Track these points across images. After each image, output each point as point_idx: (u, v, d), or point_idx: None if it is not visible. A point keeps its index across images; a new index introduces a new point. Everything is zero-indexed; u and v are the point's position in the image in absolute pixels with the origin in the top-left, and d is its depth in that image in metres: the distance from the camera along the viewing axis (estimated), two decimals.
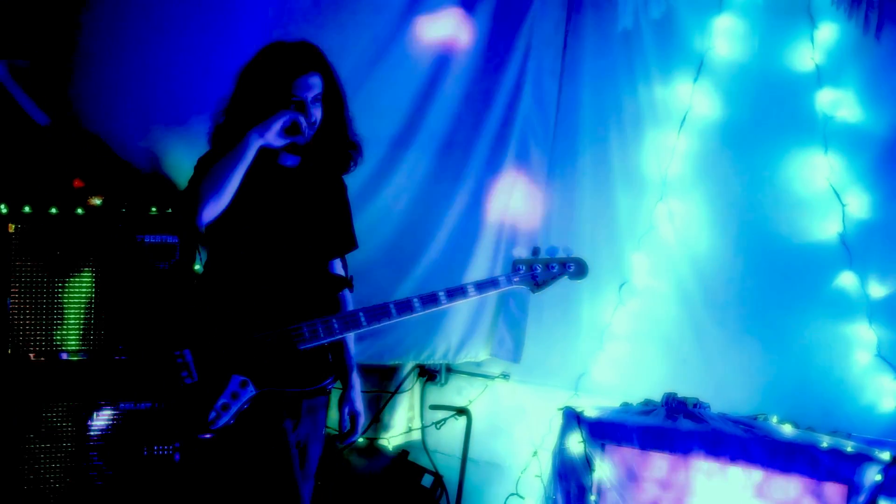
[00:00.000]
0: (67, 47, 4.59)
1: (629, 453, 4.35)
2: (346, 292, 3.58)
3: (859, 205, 4.48)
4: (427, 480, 5.15)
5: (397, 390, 5.45)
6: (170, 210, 4.40)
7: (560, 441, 4.51)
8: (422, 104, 5.03)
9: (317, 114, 3.37)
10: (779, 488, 4.02)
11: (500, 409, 5.38)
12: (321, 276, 3.51)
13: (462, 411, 5.30)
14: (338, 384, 3.58)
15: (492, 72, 5.13)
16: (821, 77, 4.56)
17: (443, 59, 5.03)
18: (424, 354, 5.22)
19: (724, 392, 4.54)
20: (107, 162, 4.66)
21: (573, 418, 4.47)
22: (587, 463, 4.38)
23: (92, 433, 4.29)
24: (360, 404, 3.61)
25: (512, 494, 5.08)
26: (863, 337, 4.42)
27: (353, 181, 4.81)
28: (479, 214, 5.18)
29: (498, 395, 5.41)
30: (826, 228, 4.54)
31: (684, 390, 4.40)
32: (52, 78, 4.58)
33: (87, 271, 4.30)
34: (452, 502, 5.18)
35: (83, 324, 4.30)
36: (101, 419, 4.31)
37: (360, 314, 3.30)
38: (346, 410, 3.57)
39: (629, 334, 5.00)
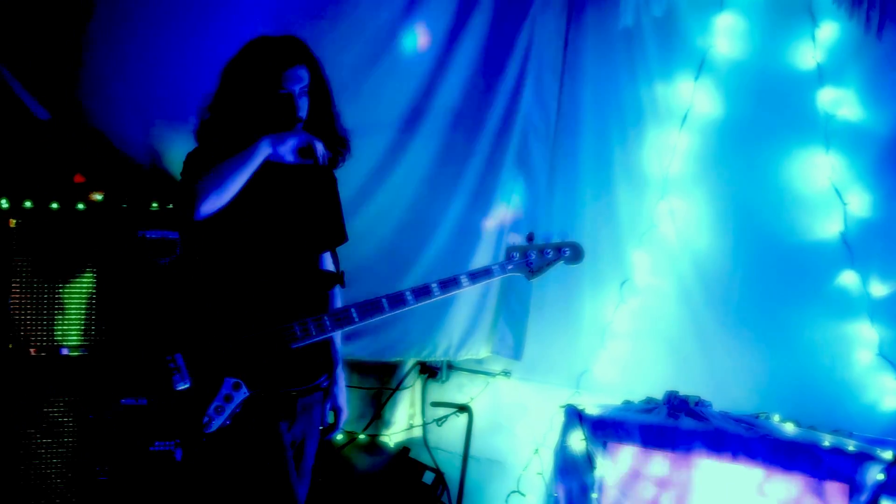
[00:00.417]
0: (69, 43, 4.58)
1: (631, 451, 4.35)
2: (338, 288, 3.54)
3: (860, 204, 4.49)
4: (428, 477, 5.15)
5: (398, 387, 5.45)
6: (171, 206, 4.39)
7: (562, 439, 4.51)
8: (422, 102, 5.03)
9: (304, 106, 3.35)
10: (780, 487, 4.02)
11: (502, 407, 5.38)
12: (313, 273, 3.49)
13: (463, 408, 5.31)
14: None
15: (493, 69, 5.13)
16: (822, 76, 4.56)
17: (442, 57, 5.03)
18: (426, 351, 5.22)
19: (726, 390, 4.54)
20: (108, 157, 4.65)
21: (575, 416, 4.47)
22: (589, 461, 4.39)
23: (93, 429, 4.28)
24: (343, 399, 3.59)
25: (513, 492, 5.08)
26: (864, 336, 4.42)
27: (354, 179, 4.85)
28: (480, 212, 5.17)
29: (499, 392, 5.41)
30: (827, 227, 4.54)
31: (686, 388, 4.40)
32: (52, 73, 4.58)
33: (88, 267, 4.29)
34: (454, 499, 5.18)
35: (84, 320, 4.29)
36: (102, 415, 4.30)
37: (352, 310, 3.27)
38: (329, 406, 3.55)
39: (631, 332, 5.00)
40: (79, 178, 4.52)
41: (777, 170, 4.67)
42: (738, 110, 4.80)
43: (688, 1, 4.89)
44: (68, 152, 4.59)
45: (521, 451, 5.15)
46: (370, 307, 3.28)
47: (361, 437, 5.29)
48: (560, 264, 3.55)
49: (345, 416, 3.61)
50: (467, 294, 5.12)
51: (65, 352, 4.27)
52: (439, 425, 5.36)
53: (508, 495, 5.09)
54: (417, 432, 5.50)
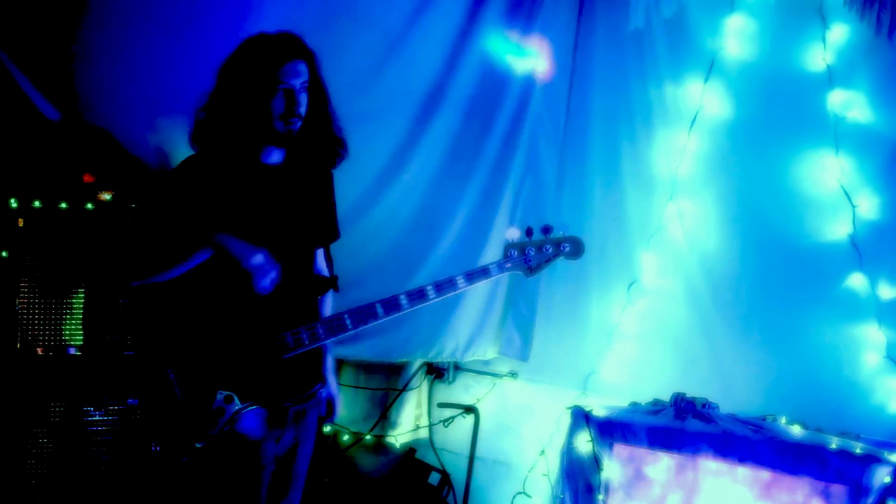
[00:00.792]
0: (77, 43, 4.59)
1: (637, 453, 4.34)
2: (331, 293, 3.51)
3: (870, 206, 4.48)
4: (434, 478, 5.15)
5: (405, 388, 5.44)
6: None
7: (568, 440, 4.51)
8: (431, 103, 5.03)
9: (304, 102, 3.30)
10: (787, 489, 4.01)
11: (508, 408, 5.38)
12: (305, 278, 3.43)
13: (470, 409, 5.30)
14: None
15: (502, 70, 5.13)
16: (832, 77, 4.55)
17: (452, 58, 5.03)
18: (433, 352, 5.21)
19: (733, 392, 4.54)
20: (116, 157, 4.66)
21: (581, 417, 4.46)
22: (595, 462, 4.38)
23: (99, 428, 4.29)
24: (335, 388, 3.58)
25: (519, 493, 5.08)
26: (872, 338, 4.42)
27: (362, 180, 4.86)
28: (490, 212, 5.17)
29: (506, 393, 5.41)
30: (836, 229, 4.53)
31: (693, 390, 4.40)
32: (62, 73, 4.59)
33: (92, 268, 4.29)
34: (459, 500, 5.17)
35: (91, 320, 4.29)
36: (108, 415, 4.30)
37: (346, 317, 3.24)
38: (324, 395, 3.53)
39: (638, 334, 5.00)
40: (88, 178, 4.52)
41: (786, 172, 4.66)
42: (748, 112, 4.79)
43: (698, 2, 4.88)
44: (77, 152, 4.59)
45: (528, 452, 5.15)
46: (364, 313, 3.25)
47: (368, 437, 5.29)
48: (560, 260, 3.48)
49: (338, 403, 3.59)
50: (474, 295, 5.12)
51: (72, 351, 4.27)
52: (446, 426, 5.35)
53: (514, 496, 5.08)
54: (424, 433, 5.49)
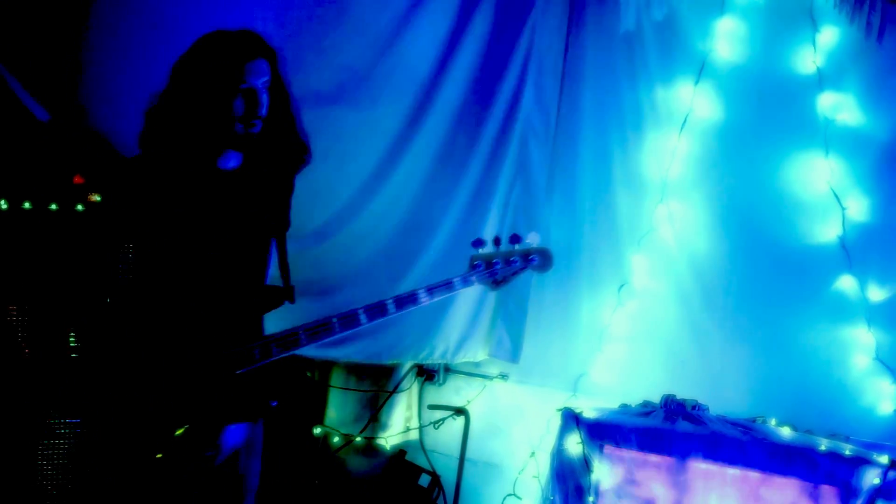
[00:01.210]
0: (69, 44, 4.58)
1: (628, 455, 4.34)
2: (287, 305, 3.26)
3: (859, 208, 4.50)
4: (424, 480, 5.14)
5: (395, 390, 5.43)
6: None
7: (558, 442, 4.50)
8: (422, 104, 5.02)
9: (266, 103, 3.11)
10: (777, 491, 4.02)
11: (499, 410, 5.37)
12: (258, 292, 3.20)
13: (460, 411, 5.30)
14: None
15: (493, 72, 5.13)
16: (822, 80, 4.57)
17: (443, 59, 5.03)
18: (423, 354, 5.20)
19: (723, 394, 4.55)
20: (107, 158, 4.65)
21: (572, 419, 4.46)
22: (585, 464, 4.38)
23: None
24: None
25: (509, 495, 5.07)
26: (862, 340, 4.44)
27: (353, 182, 4.85)
28: (480, 215, 5.16)
29: (496, 395, 5.40)
30: (826, 232, 4.55)
31: (683, 392, 4.40)
32: (53, 74, 4.57)
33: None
34: (450, 502, 5.17)
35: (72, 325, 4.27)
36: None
37: (301, 334, 3.06)
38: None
39: (628, 335, 5.00)
40: (78, 180, 4.51)
41: (776, 174, 4.68)
42: (738, 114, 4.81)
43: (689, 5, 4.89)
44: (68, 153, 4.58)
45: (518, 454, 5.14)
46: (320, 329, 3.09)
47: (358, 439, 5.28)
48: (527, 272, 3.36)
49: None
50: (464, 297, 5.11)
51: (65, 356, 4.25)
52: (436, 428, 5.35)
53: (504, 498, 5.07)
54: (414, 435, 5.48)
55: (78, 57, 4.57)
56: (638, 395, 4.63)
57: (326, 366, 5.26)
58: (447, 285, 3.25)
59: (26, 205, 4.20)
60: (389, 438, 5.42)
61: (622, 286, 5.00)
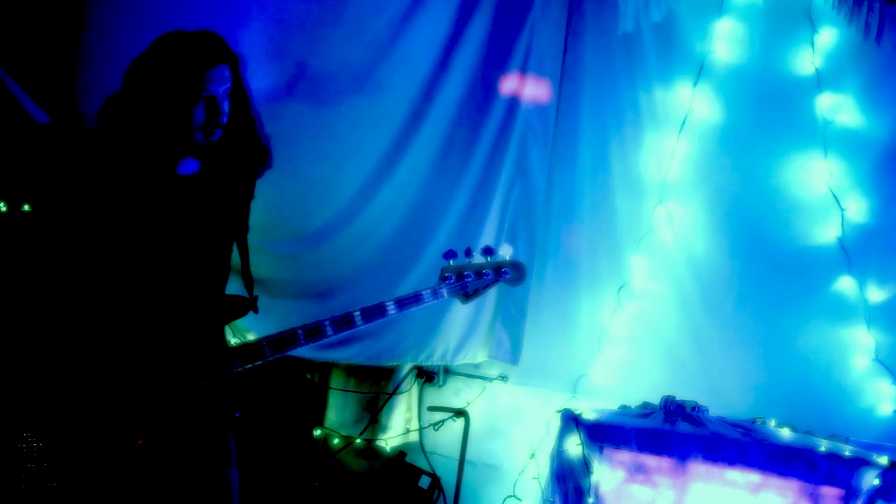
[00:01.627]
0: (67, 45, 4.58)
1: (627, 456, 4.34)
2: (250, 315, 3.18)
3: (858, 209, 4.50)
4: (424, 482, 5.14)
5: (395, 391, 5.43)
6: None
7: (558, 443, 4.50)
8: (421, 106, 5.02)
9: (227, 112, 3.00)
10: (777, 492, 4.02)
11: (498, 411, 5.37)
12: (218, 301, 3.13)
13: (460, 413, 5.30)
14: None
15: (492, 73, 5.13)
16: (821, 81, 4.57)
17: (442, 61, 5.03)
18: (423, 356, 5.20)
19: (723, 395, 4.55)
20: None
21: (571, 421, 4.46)
22: (585, 465, 4.38)
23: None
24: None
25: (509, 496, 5.07)
26: (861, 341, 4.44)
27: (352, 183, 4.85)
28: (479, 216, 5.17)
29: (496, 396, 5.40)
30: (825, 233, 4.55)
31: (683, 393, 4.40)
32: (51, 76, 4.57)
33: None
34: None
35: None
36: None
37: (265, 345, 3.02)
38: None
39: (628, 337, 5.00)
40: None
41: (775, 175, 4.68)
42: (737, 115, 4.81)
43: (687, 6, 4.89)
44: (67, 155, 4.57)
45: (518, 455, 5.15)
46: (284, 341, 3.04)
47: (358, 441, 5.28)
48: (499, 286, 3.31)
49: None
50: None
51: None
52: (436, 430, 5.35)
53: (504, 500, 5.07)
54: (414, 437, 5.48)
55: (76, 58, 4.58)
56: (637, 396, 4.63)
57: (326, 368, 5.26)
58: (416, 299, 3.22)
59: (26, 207, 4.20)
60: (389, 440, 5.42)
61: (621, 287, 5.00)
